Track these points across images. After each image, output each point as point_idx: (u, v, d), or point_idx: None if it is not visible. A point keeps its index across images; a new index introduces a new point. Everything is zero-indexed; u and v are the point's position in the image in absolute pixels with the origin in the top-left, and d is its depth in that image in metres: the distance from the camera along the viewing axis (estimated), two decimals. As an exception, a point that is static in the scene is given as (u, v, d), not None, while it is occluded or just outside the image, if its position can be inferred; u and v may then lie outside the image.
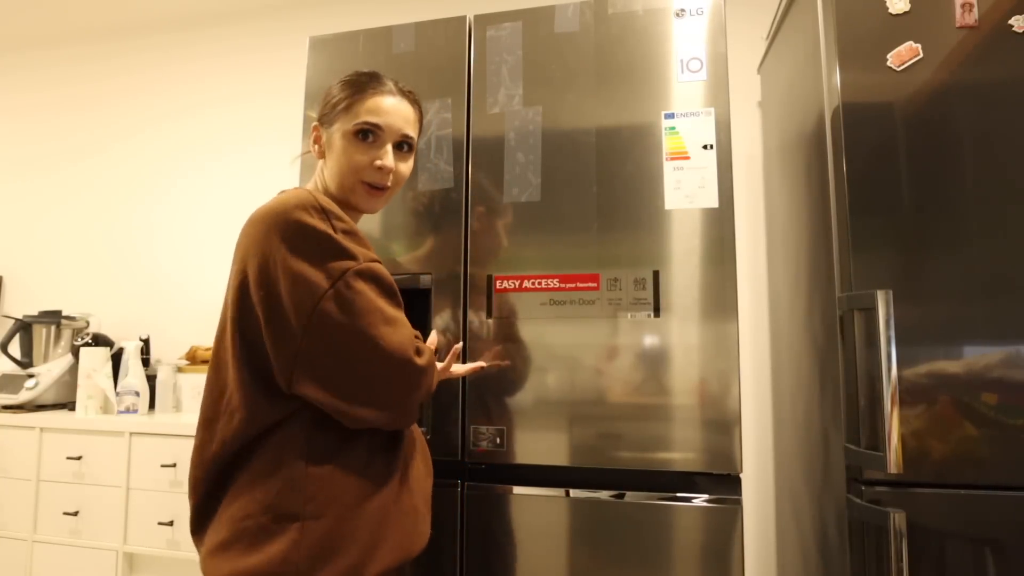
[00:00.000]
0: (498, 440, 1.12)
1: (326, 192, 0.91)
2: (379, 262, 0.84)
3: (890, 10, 1.03)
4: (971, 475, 0.95)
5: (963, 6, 1.01)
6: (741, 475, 1.06)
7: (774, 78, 1.58)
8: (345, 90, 0.90)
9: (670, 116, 1.13)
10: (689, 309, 1.08)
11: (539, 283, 1.14)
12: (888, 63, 1.03)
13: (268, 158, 2.23)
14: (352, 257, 0.79)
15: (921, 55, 1.02)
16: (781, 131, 1.50)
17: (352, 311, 0.77)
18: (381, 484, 0.82)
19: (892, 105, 1.02)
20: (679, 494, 1.05)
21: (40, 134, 2.53)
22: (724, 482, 1.06)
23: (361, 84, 0.90)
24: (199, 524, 0.83)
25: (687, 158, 1.11)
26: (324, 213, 0.79)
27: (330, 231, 0.78)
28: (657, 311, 1.09)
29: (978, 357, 0.96)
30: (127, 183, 2.39)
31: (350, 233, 0.81)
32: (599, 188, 1.14)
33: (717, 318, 1.06)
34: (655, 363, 1.08)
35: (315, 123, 0.94)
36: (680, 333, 1.07)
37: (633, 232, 1.12)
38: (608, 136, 1.15)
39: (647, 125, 1.14)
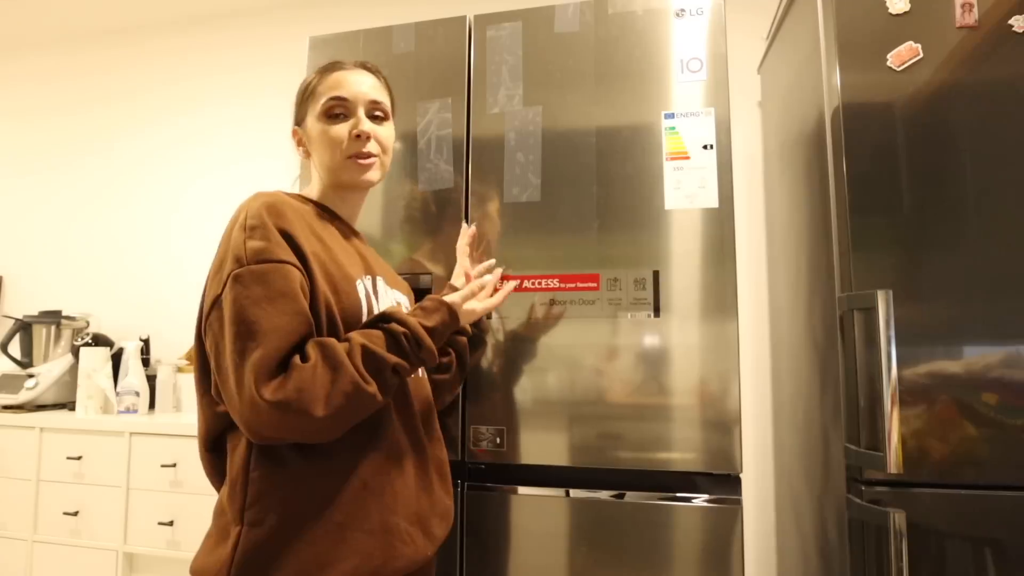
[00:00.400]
0: (498, 440, 1.12)
1: (325, 189, 0.91)
2: (281, 261, 0.73)
3: (890, 10, 1.03)
4: (971, 475, 0.95)
5: (963, 6, 1.01)
6: (741, 475, 1.06)
7: (774, 78, 1.58)
8: (304, 86, 0.91)
9: (670, 116, 1.13)
10: (689, 309, 1.08)
11: (539, 283, 1.14)
12: (888, 63, 1.03)
13: (268, 158, 2.23)
14: (238, 261, 0.72)
15: (921, 55, 1.02)
16: (781, 131, 1.50)
17: (221, 321, 0.72)
18: (336, 494, 0.75)
19: (892, 105, 1.02)
20: (679, 494, 1.05)
21: (40, 134, 2.53)
22: (724, 482, 1.06)
23: (320, 70, 0.91)
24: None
25: (687, 158, 1.11)
26: (249, 215, 0.76)
27: (237, 234, 0.75)
28: (657, 311, 1.09)
29: (978, 357, 0.96)
30: (127, 183, 2.39)
31: (257, 228, 0.74)
32: (599, 188, 1.14)
33: (717, 318, 1.06)
34: (655, 363, 1.08)
35: (293, 128, 0.94)
36: (680, 333, 1.07)
37: (633, 232, 1.12)
38: (608, 136, 1.15)
39: (647, 125, 1.14)
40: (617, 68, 1.16)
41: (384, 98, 0.92)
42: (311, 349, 0.72)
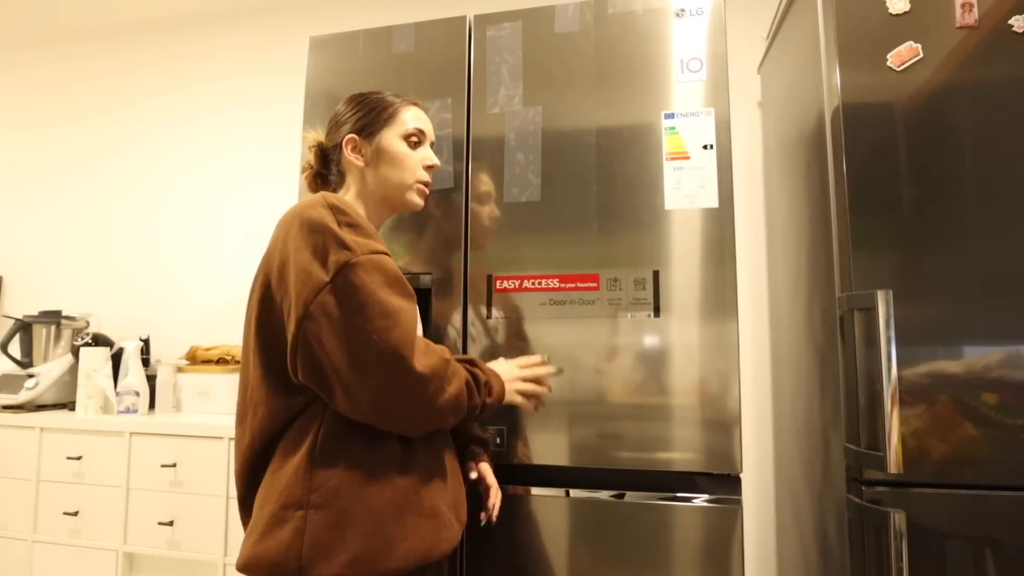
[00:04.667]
0: (498, 440, 1.12)
1: (368, 200, 0.98)
2: (385, 253, 0.84)
3: (890, 10, 1.03)
4: (971, 475, 0.95)
5: (963, 6, 1.01)
6: (741, 475, 1.06)
7: (774, 78, 1.58)
8: (380, 103, 0.99)
9: (670, 116, 1.13)
10: (689, 309, 1.08)
11: (539, 283, 1.14)
12: (888, 63, 1.03)
13: (268, 158, 2.23)
14: (349, 249, 0.80)
15: (921, 55, 1.02)
16: (781, 131, 1.50)
17: (349, 305, 0.77)
18: (395, 480, 0.81)
19: (892, 105, 1.02)
20: (679, 494, 1.05)
21: (40, 135, 2.53)
22: (724, 482, 1.06)
23: (392, 99, 1.00)
24: (245, 513, 0.89)
25: (687, 158, 1.11)
26: (331, 209, 0.83)
27: (333, 225, 0.81)
28: (657, 311, 1.09)
29: (978, 357, 0.96)
30: (127, 183, 2.39)
31: (355, 226, 0.83)
32: (599, 188, 1.14)
33: (717, 318, 1.06)
34: (655, 363, 1.08)
35: (349, 135, 0.98)
36: (680, 333, 1.07)
37: (633, 232, 1.12)
38: (608, 136, 1.15)
39: (647, 125, 1.14)
40: (617, 68, 1.16)
41: None
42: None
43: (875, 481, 0.98)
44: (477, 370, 0.90)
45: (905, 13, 1.03)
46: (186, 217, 2.29)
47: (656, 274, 1.10)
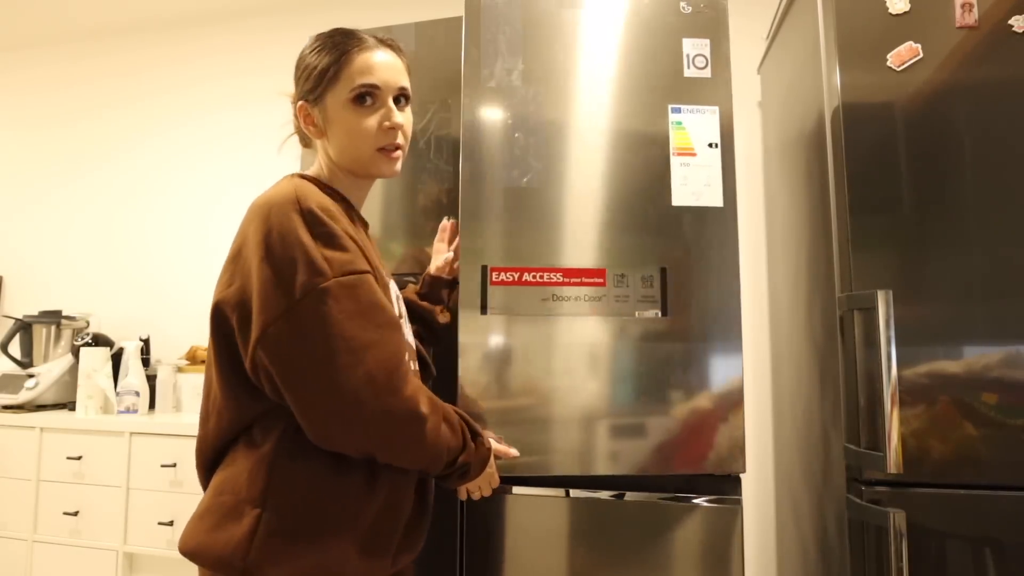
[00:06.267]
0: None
1: (336, 171, 0.87)
2: (363, 271, 0.75)
3: (890, 10, 1.03)
4: (971, 475, 0.95)
5: (963, 6, 1.01)
6: (741, 475, 1.05)
7: (774, 78, 1.58)
8: (325, 56, 0.84)
9: (677, 111, 1.11)
10: (695, 308, 1.07)
11: (540, 276, 1.09)
12: (888, 63, 1.03)
13: (269, 158, 2.23)
14: (321, 273, 0.71)
15: (921, 55, 1.02)
16: (781, 131, 1.50)
17: (311, 337, 0.70)
18: (359, 488, 0.76)
19: (892, 105, 1.02)
20: (679, 494, 1.05)
21: (40, 135, 2.53)
22: (724, 482, 1.06)
23: (341, 46, 0.84)
24: None
25: (694, 155, 1.10)
26: (303, 214, 0.74)
27: (305, 237, 0.72)
28: (665, 310, 1.07)
29: (978, 357, 0.96)
30: (128, 183, 2.38)
31: (331, 236, 0.74)
32: (603, 181, 1.10)
33: (719, 318, 1.06)
34: (658, 362, 1.07)
35: (300, 102, 0.87)
36: (682, 332, 1.07)
37: (641, 228, 1.08)
38: (616, 128, 1.10)
39: (653, 117, 1.11)
40: (624, 58, 1.12)
41: (408, 81, 0.88)
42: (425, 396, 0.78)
43: (875, 481, 0.98)
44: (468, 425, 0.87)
45: (905, 13, 1.03)
46: (186, 217, 2.29)
47: (664, 271, 1.08)
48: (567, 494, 1.08)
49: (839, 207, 1.05)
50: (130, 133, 2.40)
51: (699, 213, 1.08)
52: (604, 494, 1.07)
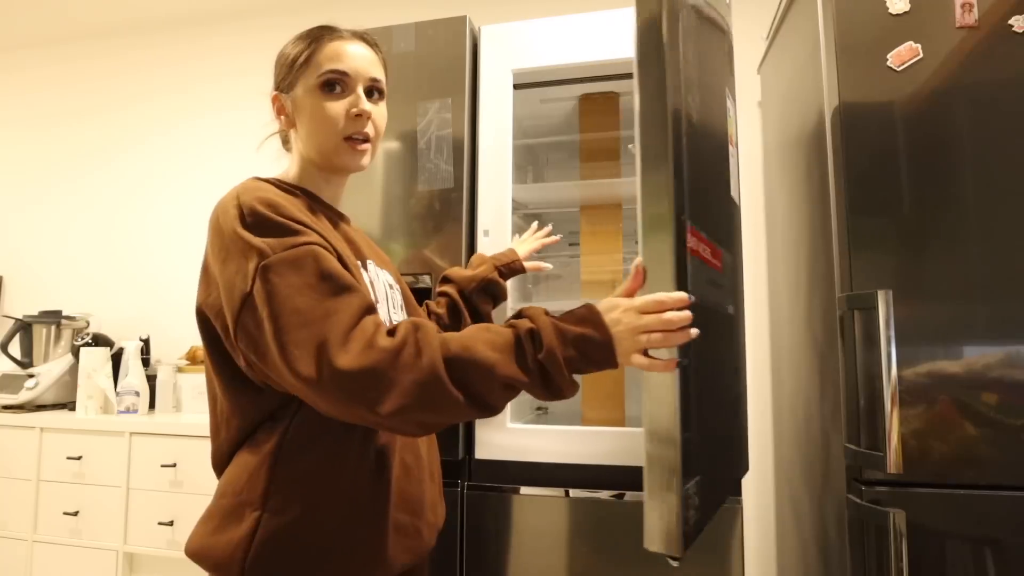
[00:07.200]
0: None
1: (306, 167, 0.86)
2: (309, 243, 0.71)
3: (890, 10, 1.03)
4: (971, 475, 0.95)
5: (963, 6, 1.01)
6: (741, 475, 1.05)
7: (774, 78, 1.58)
8: (299, 45, 0.83)
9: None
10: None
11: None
12: (888, 63, 1.03)
13: (269, 158, 2.22)
14: (263, 255, 0.69)
15: (921, 55, 1.02)
16: (781, 131, 1.50)
17: (263, 314, 0.68)
18: (363, 492, 0.76)
19: (892, 105, 1.02)
20: (679, 494, 1.05)
21: (41, 135, 2.53)
22: (724, 482, 1.06)
23: (315, 35, 0.83)
24: None
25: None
26: (240, 210, 0.73)
27: (240, 229, 0.71)
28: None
29: (978, 357, 0.96)
30: (128, 183, 2.39)
31: (266, 225, 0.71)
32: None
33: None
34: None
35: (273, 93, 0.86)
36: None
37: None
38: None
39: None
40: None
41: (383, 75, 0.87)
42: (404, 327, 0.68)
43: (875, 481, 0.98)
44: (526, 325, 0.70)
45: (905, 13, 1.03)
46: (187, 217, 2.29)
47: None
48: (567, 494, 1.08)
49: (839, 207, 1.05)
50: (130, 133, 2.40)
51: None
52: (604, 494, 1.07)
